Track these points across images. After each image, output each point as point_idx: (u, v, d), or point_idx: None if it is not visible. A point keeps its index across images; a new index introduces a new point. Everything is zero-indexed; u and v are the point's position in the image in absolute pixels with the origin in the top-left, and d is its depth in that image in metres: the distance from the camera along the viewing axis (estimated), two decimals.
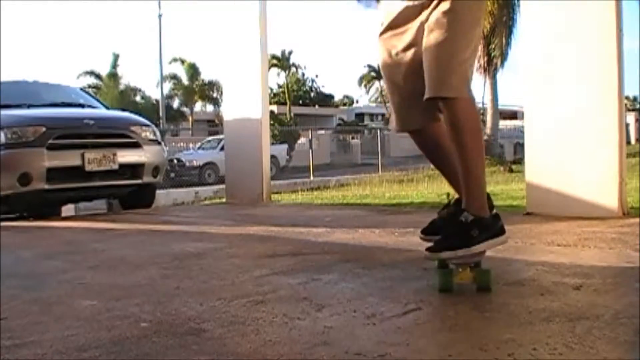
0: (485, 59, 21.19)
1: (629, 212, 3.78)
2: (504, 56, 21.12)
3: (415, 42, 2.07)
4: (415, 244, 3.01)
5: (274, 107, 33.91)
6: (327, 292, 2.06)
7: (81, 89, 8.57)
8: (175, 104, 39.39)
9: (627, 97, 36.41)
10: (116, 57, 35.32)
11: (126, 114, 6.93)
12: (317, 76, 58.49)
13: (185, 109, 39.62)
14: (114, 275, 2.55)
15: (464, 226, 1.94)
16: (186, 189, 15.22)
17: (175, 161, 19.31)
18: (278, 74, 42.42)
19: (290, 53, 42.30)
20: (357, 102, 50.73)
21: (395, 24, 2.13)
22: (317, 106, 42.85)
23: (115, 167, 5.40)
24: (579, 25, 3.86)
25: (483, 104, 23.72)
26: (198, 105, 40.33)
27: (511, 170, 16.03)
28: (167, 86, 37.12)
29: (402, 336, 1.52)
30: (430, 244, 2.01)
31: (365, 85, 49.60)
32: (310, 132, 23.73)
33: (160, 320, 1.73)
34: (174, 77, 38.24)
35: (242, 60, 5.97)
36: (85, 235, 4.10)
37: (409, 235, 3.32)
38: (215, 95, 37.60)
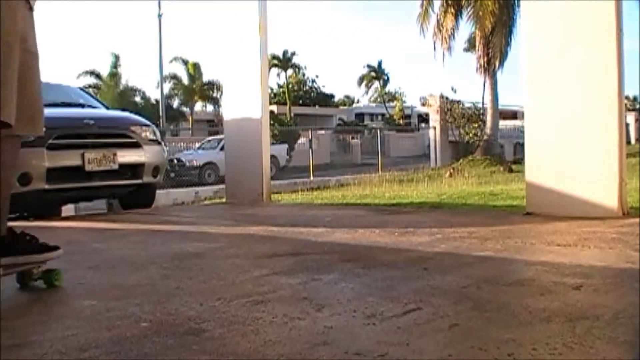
0: (485, 59, 21.17)
1: (629, 212, 3.78)
2: (503, 56, 21.10)
3: None
4: (415, 244, 3.01)
5: (274, 107, 33.91)
6: (327, 292, 2.06)
7: (81, 88, 8.56)
8: (175, 104, 39.40)
9: (627, 97, 36.41)
10: (116, 57, 35.30)
11: (126, 114, 6.92)
12: (317, 76, 58.61)
13: (185, 109, 39.63)
14: (114, 275, 2.55)
15: None
16: (186, 189, 15.22)
17: (175, 161, 19.29)
18: (278, 74, 42.48)
19: (293, 54, 42.37)
20: (357, 102, 50.77)
21: None
22: (317, 106, 42.87)
23: (115, 167, 5.39)
24: (579, 25, 3.87)
25: (483, 104, 23.73)
26: (198, 105, 40.36)
27: (511, 170, 16.05)
28: (167, 86, 37.14)
29: (402, 336, 1.51)
30: None
31: (366, 85, 49.68)
32: (310, 132, 23.72)
33: (160, 320, 1.73)
34: (174, 77, 38.27)
35: (242, 60, 5.97)
36: (85, 235, 4.10)
37: (408, 235, 3.32)
38: (215, 95, 37.62)
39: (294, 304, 1.87)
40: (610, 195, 3.73)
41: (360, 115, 45.33)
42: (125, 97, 33.74)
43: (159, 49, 29.76)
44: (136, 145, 5.59)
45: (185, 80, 38.64)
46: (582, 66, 3.85)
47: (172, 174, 17.63)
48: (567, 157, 3.92)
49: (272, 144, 15.41)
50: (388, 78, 49.52)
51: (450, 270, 2.33)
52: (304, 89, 44.45)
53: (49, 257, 2.27)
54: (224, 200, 6.83)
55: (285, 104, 39.48)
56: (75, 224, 4.93)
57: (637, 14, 17.20)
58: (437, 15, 21.54)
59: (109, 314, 1.83)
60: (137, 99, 36.24)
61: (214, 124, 34.49)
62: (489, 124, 22.24)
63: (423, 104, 31.63)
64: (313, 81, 45.25)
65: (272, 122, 19.96)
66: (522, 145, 4.57)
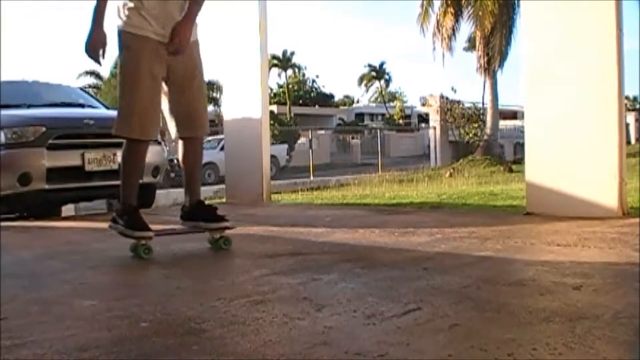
0: (485, 59, 21.17)
1: (629, 212, 3.78)
2: (503, 56, 21.10)
3: None
4: (415, 244, 3.01)
5: (274, 107, 33.89)
6: (327, 292, 2.06)
7: (81, 89, 8.56)
8: None
9: (627, 97, 36.38)
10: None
11: None
12: (317, 76, 58.64)
13: None
14: (114, 275, 2.55)
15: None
16: None
17: (175, 161, 19.17)
18: (278, 74, 42.48)
19: (292, 54, 42.38)
20: (357, 102, 50.77)
21: None
22: (317, 106, 42.87)
23: (115, 167, 5.38)
24: (579, 25, 3.86)
25: (483, 104, 23.72)
26: None
27: (511, 170, 16.04)
28: None
29: (402, 336, 1.52)
30: None
31: (365, 85, 49.69)
32: (310, 132, 23.75)
33: (160, 320, 1.73)
34: None
35: (242, 60, 5.97)
36: (85, 235, 4.10)
37: (408, 235, 3.32)
38: (215, 95, 37.61)
39: (294, 304, 1.87)
40: (610, 195, 3.73)
41: (360, 115, 45.32)
42: None
43: None
44: None
45: None
46: (582, 66, 3.85)
47: (172, 174, 17.61)
48: (567, 157, 3.91)
49: (272, 144, 15.40)
50: (390, 78, 49.59)
51: (450, 270, 2.33)
52: (304, 89, 44.45)
53: (222, 226, 2.91)
54: (224, 200, 6.82)
55: (285, 104, 39.47)
56: (75, 224, 4.94)
57: (637, 14, 17.19)
58: (437, 15, 21.54)
59: (109, 314, 1.83)
60: None
61: (214, 124, 34.46)
62: (489, 124, 22.24)
63: (423, 104, 31.66)
64: (313, 81, 45.31)
65: (272, 122, 19.94)
66: (522, 145, 4.57)
